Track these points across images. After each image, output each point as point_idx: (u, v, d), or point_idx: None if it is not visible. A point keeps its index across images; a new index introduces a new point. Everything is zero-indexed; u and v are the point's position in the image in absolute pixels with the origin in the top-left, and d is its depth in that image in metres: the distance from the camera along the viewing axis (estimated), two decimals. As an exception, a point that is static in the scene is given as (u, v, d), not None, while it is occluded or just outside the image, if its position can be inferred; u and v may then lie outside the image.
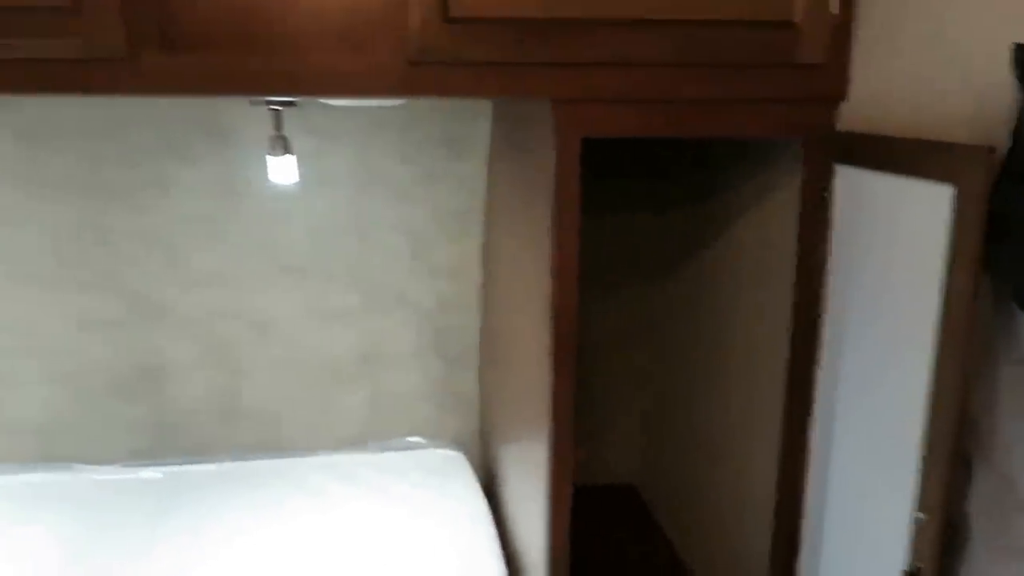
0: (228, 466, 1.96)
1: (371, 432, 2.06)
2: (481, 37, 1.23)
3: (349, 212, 1.83)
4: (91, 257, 1.81)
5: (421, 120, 1.78)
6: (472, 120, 1.79)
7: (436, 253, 1.92)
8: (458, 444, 2.07)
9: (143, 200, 1.74)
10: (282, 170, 1.38)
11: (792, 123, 1.33)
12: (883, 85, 1.23)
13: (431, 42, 1.22)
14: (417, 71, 1.23)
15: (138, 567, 1.61)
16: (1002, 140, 0.97)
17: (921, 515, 1.07)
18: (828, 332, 1.32)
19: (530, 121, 1.42)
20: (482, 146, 1.78)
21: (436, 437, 2.08)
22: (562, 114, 1.27)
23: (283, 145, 1.37)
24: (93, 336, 1.89)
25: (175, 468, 1.95)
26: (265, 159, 1.57)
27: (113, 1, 1.13)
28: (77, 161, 1.67)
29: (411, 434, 2.07)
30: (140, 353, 1.92)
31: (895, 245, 1.17)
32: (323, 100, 1.51)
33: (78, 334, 1.88)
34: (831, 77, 1.30)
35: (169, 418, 1.99)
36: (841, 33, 1.28)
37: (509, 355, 1.72)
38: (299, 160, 1.58)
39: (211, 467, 1.95)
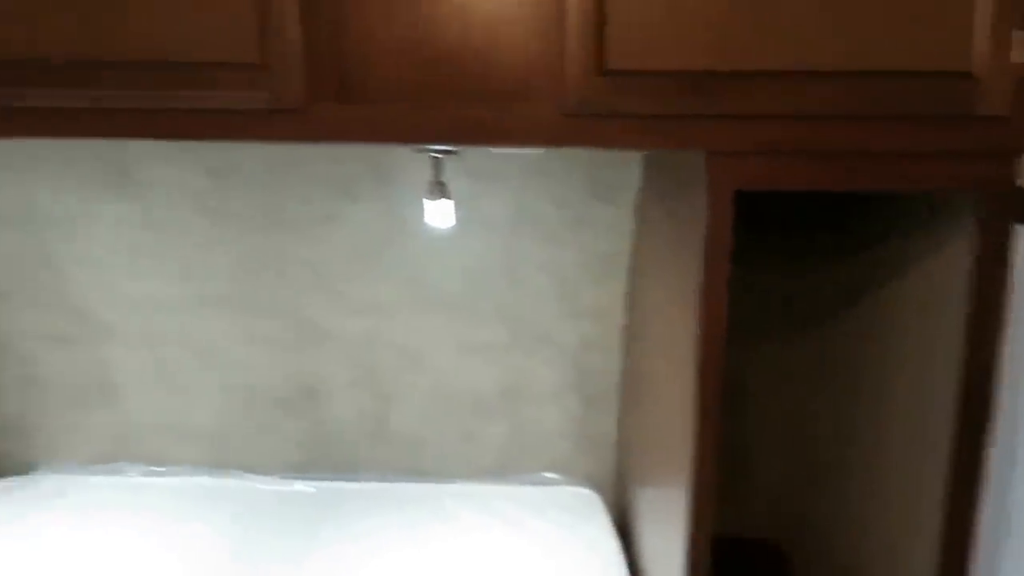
0: (374, 486, 2.05)
1: (508, 465, 2.09)
2: (638, 90, 1.24)
3: (500, 252, 1.88)
4: (265, 283, 1.95)
5: (574, 165, 1.80)
6: (623, 166, 1.80)
7: (581, 295, 1.94)
8: (593, 484, 2.06)
9: (313, 233, 1.86)
10: (439, 214, 1.44)
11: (969, 178, 1.25)
12: (1073, 140, 1.14)
13: (587, 95, 1.24)
14: (573, 123, 1.26)
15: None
16: None
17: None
18: (1004, 407, 1.23)
19: (682, 169, 1.41)
20: (631, 192, 1.79)
21: (572, 475, 2.08)
22: (717, 165, 1.26)
23: (441, 191, 1.43)
24: (262, 354, 2.04)
25: (326, 484, 2.06)
26: (424, 200, 1.64)
27: (296, 57, 1.23)
28: (259, 195, 1.82)
29: (547, 470, 2.08)
30: (302, 373, 2.05)
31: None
32: (481, 146, 1.57)
33: (249, 351, 2.04)
34: (1014, 129, 1.21)
35: (323, 436, 2.11)
36: (1026, 83, 1.20)
37: (650, 398, 1.70)
38: (456, 201, 1.64)
39: (359, 486, 2.05)
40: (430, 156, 1.42)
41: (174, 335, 2.03)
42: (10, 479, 2.12)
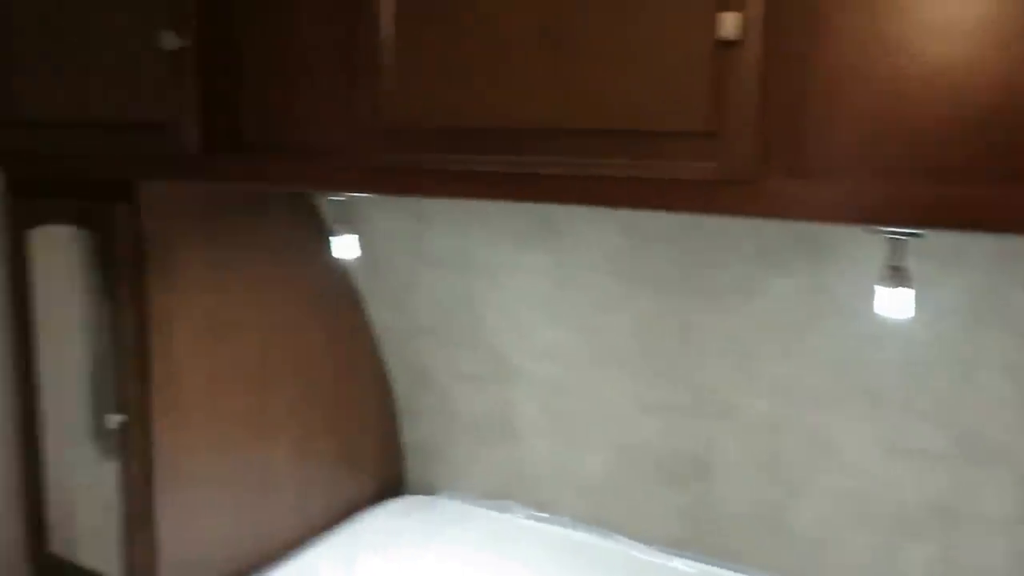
0: (761, 583, 1.87)
1: (932, 600, 1.76)
2: None
3: (951, 344, 1.57)
4: (667, 348, 1.88)
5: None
6: None
7: (1059, 408, 1.55)
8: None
9: (727, 302, 1.74)
10: (895, 303, 1.23)
11: None
12: None
13: None
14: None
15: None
16: None
17: None
18: None
19: None
20: None
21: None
22: None
23: (900, 278, 1.22)
24: (656, 419, 1.97)
25: (708, 568, 1.92)
26: (862, 278, 1.43)
27: (749, 127, 1.13)
28: (673, 258, 1.76)
29: (985, 617, 1.71)
30: (694, 445, 1.94)
31: None
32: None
33: (644, 414, 1.98)
34: None
35: (710, 515, 1.97)
36: None
37: None
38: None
39: (744, 578, 1.89)
40: (888, 238, 1.22)
41: (573, 387, 2.05)
42: (416, 497, 2.33)
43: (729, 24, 1.10)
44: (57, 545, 1.96)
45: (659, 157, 1.20)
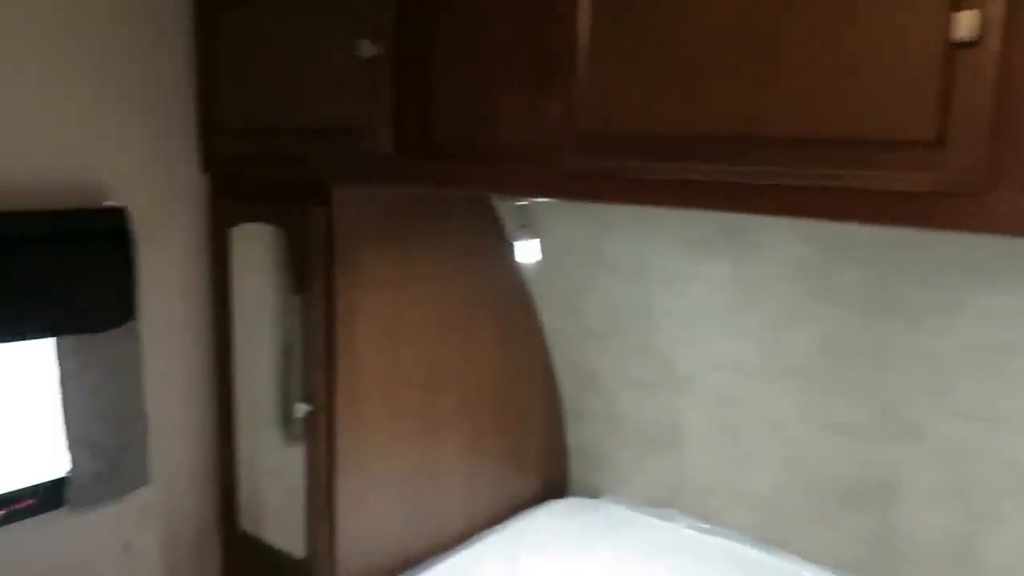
0: (949, 619, 1.74)
1: None
2: None
3: None
4: (852, 365, 1.79)
5: None
6: None
7: None
8: None
9: (927, 320, 1.64)
10: None
11: None
12: None
13: None
14: None
15: None
16: None
17: None
18: None
19: None
20: None
21: None
22: None
23: None
24: (834, 438, 1.88)
25: (886, 596, 1.82)
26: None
27: (982, 136, 1.05)
28: (866, 272, 1.67)
29: None
30: (875, 467, 1.84)
31: None
32: None
33: (820, 432, 1.90)
34: None
35: (890, 542, 1.86)
36: None
37: None
38: None
39: (927, 612, 1.77)
40: None
41: (745, 401, 2.00)
42: (579, 500, 2.33)
43: (965, 24, 1.02)
44: (247, 524, 2.10)
45: (876, 167, 1.13)
